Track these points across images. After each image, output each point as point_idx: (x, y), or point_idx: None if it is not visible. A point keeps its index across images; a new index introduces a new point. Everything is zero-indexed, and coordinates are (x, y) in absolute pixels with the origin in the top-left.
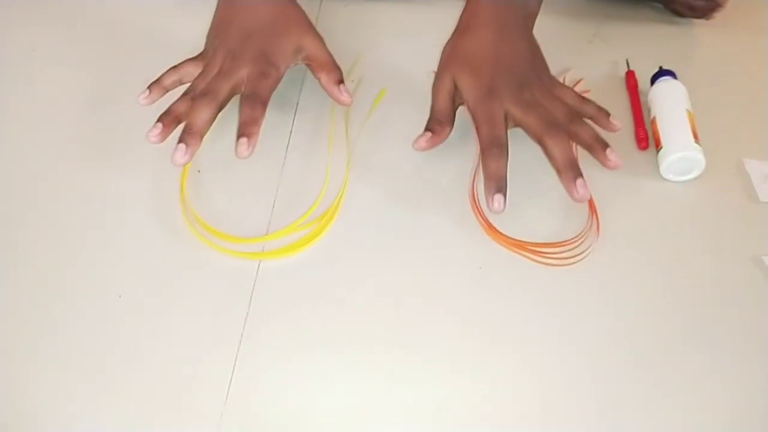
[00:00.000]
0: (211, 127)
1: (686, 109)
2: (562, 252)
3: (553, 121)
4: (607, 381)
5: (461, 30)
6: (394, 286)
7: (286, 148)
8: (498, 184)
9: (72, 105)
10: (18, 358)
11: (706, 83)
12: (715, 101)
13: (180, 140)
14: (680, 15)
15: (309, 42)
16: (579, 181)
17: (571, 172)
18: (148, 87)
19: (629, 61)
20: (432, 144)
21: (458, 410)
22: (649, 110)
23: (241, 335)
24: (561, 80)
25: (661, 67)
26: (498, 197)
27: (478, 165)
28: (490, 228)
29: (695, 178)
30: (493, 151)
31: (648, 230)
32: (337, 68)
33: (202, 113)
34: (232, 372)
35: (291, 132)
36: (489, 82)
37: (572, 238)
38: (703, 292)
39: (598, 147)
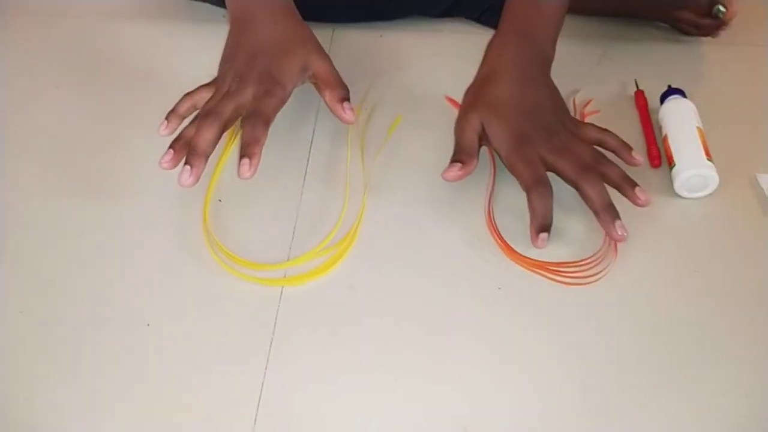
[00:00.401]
0: (231, 157)
1: (697, 127)
2: (580, 271)
3: (585, 165)
4: (629, 401)
5: (484, 78)
6: (414, 307)
7: (304, 176)
8: (545, 223)
9: (94, 138)
10: (48, 387)
11: (715, 100)
12: (724, 117)
13: (186, 162)
14: (686, 33)
15: (315, 60)
16: (618, 222)
17: (608, 214)
18: (166, 117)
19: (638, 80)
20: (462, 175)
21: (481, 430)
22: (660, 128)
23: (267, 360)
24: (571, 102)
25: (670, 86)
26: (543, 236)
27: (493, 188)
28: (508, 249)
29: (709, 195)
30: (539, 189)
31: (664, 247)
32: (343, 86)
33: (205, 134)
34: (260, 397)
35: (308, 159)
36: (520, 131)
37: (590, 257)
38: (721, 308)
39: (627, 186)
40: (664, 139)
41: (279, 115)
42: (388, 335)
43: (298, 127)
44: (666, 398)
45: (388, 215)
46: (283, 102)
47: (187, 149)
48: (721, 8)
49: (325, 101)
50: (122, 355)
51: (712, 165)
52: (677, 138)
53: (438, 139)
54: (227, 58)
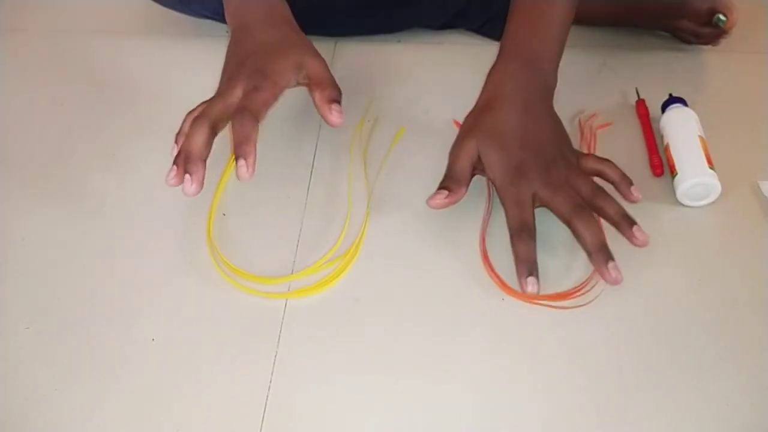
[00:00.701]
0: (233, 172)
1: (698, 135)
2: (578, 296)
3: (579, 203)
4: (634, 407)
5: (484, 105)
6: (420, 318)
7: (308, 189)
8: (530, 267)
9: (97, 153)
10: (54, 403)
11: (716, 108)
12: (726, 126)
13: (185, 171)
14: (687, 42)
15: (309, 60)
16: (611, 264)
17: (602, 255)
18: (175, 140)
19: (639, 89)
20: (448, 203)
21: None
22: (661, 137)
23: (272, 374)
24: (576, 122)
25: (671, 95)
26: (531, 280)
27: (488, 216)
28: (504, 286)
29: (711, 203)
30: (522, 235)
31: (667, 256)
32: (335, 87)
33: (196, 137)
34: (264, 411)
35: (311, 172)
36: (517, 162)
37: (584, 282)
38: (725, 316)
39: (625, 225)
40: (666, 148)
41: (281, 126)
42: (394, 347)
43: (301, 139)
44: (672, 407)
45: (392, 226)
46: (273, 96)
47: None
48: (722, 17)
49: (315, 102)
50: (127, 370)
51: (715, 173)
52: (679, 147)
53: (441, 150)
54: (224, 69)
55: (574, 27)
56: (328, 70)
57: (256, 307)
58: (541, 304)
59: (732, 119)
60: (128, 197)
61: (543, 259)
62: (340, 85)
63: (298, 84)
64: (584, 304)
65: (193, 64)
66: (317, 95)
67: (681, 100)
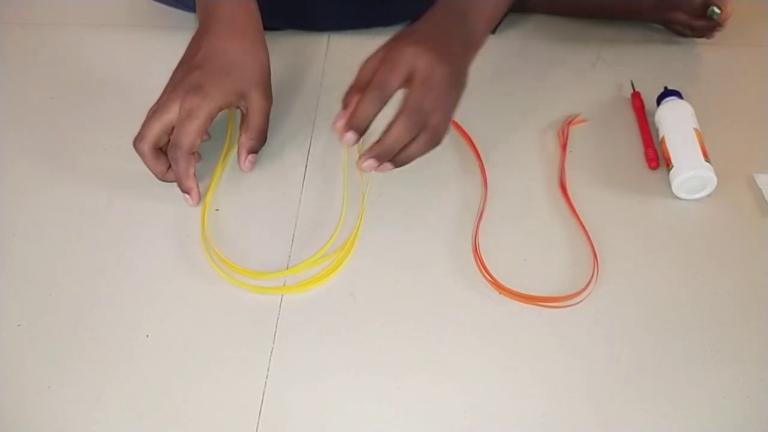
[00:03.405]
0: (228, 166)
1: (694, 128)
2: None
3: (422, 111)
4: (630, 402)
5: (402, 34)
6: (415, 313)
7: (302, 184)
8: (359, 122)
9: (90, 148)
10: (47, 400)
11: (711, 101)
12: (721, 118)
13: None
14: (681, 35)
15: (256, 97)
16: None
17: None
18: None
19: (634, 82)
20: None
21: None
22: (657, 130)
23: (268, 369)
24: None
25: (666, 87)
26: (351, 135)
27: (480, 220)
28: (496, 284)
29: (707, 196)
30: (374, 93)
31: (663, 248)
32: (261, 139)
33: (147, 163)
34: (261, 405)
35: (306, 166)
36: (412, 57)
37: (575, 293)
38: (720, 309)
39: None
40: (662, 141)
41: (275, 121)
42: (389, 341)
43: (296, 134)
44: (667, 400)
45: (387, 222)
46: (207, 120)
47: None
48: (716, 9)
49: (239, 140)
50: (121, 367)
51: (710, 166)
52: (674, 140)
53: (440, 145)
54: (175, 70)
55: (568, 20)
56: (266, 115)
57: (252, 303)
58: (535, 305)
59: (727, 112)
60: (120, 193)
61: (541, 260)
62: (334, 82)
63: (237, 108)
64: (579, 302)
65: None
66: (244, 138)
67: (676, 93)
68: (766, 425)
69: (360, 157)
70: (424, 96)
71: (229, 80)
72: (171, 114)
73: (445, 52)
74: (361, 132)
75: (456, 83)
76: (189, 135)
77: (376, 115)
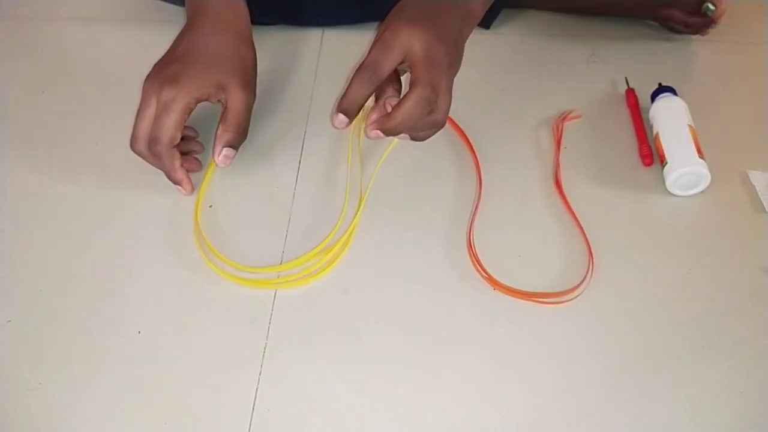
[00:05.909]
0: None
1: (688, 125)
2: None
3: (429, 100)
4: (626, 400)
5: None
6: (408, 311)
7: (296, 179)
8: (348, 104)
9: (83, 145)
10: (37, 396)
11: (705, 98)
12: (715, 115)
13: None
14: (676, 31)
15: (233, 89)
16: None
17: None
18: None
19: (628, 79)
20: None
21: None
22: (651, 127)
23: (261, 364)
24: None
25: (660, 84)
26: (341, 117)
27: (474, 217)
28: (491, 280)
29: (701, 192)
30: (365, 74)
31: (656, 245)
32: (240, 134)
33: (154, 162)
34: (254, 401)
35: (300, 161)
36: (409, 33)
37: (570, 288)
38: (714, 305)
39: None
40: (656, 138)
41: (268, 115)
42: (383, 337)
43: (290, 129)
44: (661, 396)
45: (382, 217)
46: (184, 112)
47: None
48: (710, 6)
49: (216, 132)
50: (113, 363)
51: (704, 163)
52: (669, 136)
53: (435, 141)
54: (157, 62)
55: (563, 16)
56: (245, 110)
57: (245, 298)
58: (530, 300)
59: (722, 109)
60: (112, 187)
61: (536, 256)
62: (328, 77)
63: (217, 102)
64: (574, 298)
65: None
66: (221, 131)
67: (670, 90)
68: (758, 421)
69: (368, 123)
70: (431, 75)
71: (207, 72)
72: (152, 108)
73: (441, 30)
74: (353, 115)
75: (453, 61)
76: (167, 129)
77: (368, 97)
